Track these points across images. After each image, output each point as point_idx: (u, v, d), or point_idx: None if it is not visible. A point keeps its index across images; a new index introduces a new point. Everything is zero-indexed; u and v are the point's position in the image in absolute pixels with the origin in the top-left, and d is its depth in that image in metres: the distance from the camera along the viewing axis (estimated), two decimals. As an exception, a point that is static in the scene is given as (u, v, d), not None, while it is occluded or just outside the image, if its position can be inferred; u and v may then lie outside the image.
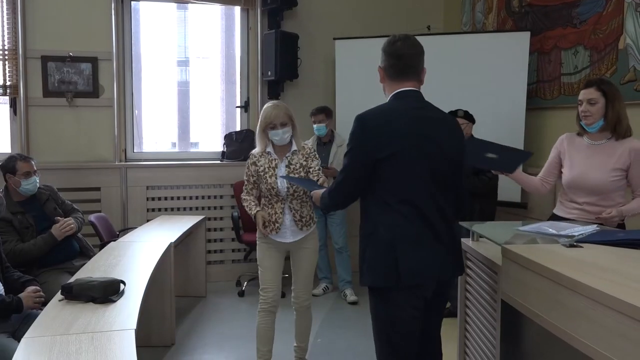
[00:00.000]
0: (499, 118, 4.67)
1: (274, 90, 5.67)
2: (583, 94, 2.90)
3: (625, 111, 2.88)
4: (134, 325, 2.26)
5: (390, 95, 2.25)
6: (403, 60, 2.25)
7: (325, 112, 4.89)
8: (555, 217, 3.04)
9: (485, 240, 2.67)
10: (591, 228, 2.51)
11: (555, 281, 1.86)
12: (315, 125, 4.88)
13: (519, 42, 4.62)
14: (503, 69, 4.68)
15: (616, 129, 2.86)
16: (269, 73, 5.49)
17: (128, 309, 2.46)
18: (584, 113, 2.88)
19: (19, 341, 2.20)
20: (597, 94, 2.84)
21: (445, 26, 5.96)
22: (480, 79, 4.77)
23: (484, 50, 4.81)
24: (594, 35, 3.94)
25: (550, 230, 2.48)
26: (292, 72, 5.57)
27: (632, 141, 2.86)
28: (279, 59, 5.39)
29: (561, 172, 3.06)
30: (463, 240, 2.68)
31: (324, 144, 4.97)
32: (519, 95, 4.59)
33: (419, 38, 5.21)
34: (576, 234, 2.38)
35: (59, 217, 3.66)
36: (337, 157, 4.84)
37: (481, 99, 4.71)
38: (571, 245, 2.19)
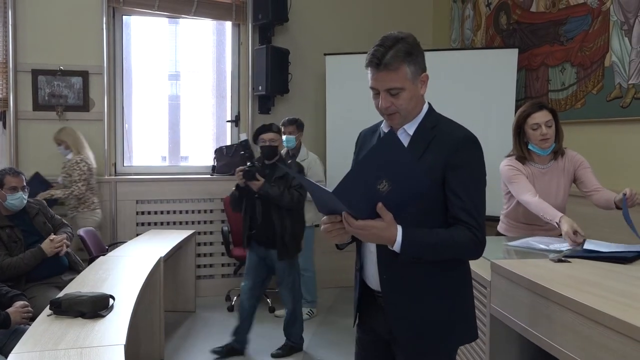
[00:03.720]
0: (487, 134, 4.71)
1: (264, 104, 5.70)
2: (540, 117, 2.88)
3: None
4: (124, 341, 2.24)
5: (427, 108, 1.88)
6: None
7: (296, 124, 4.83)
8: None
9: (474, 255, 2.68)
10: (579, 243, 2.54)
11: (544, 296, 1.88)
12: (285, 137, 4.78)
13: (507, 59, 4.69)
14: (492, 85, 4.74)
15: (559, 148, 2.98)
16: (260, 88, 5.52)
17: (117, 324, 2.44)
18: (543, 137, 2.88)
19: (6, 357, 2.17)
20: (549, 115, 2.91)
21: (434, 42, 6.03)
22: (469, 95, 4.82)
23: (472, 67, 4.86)
24: (581, 52, 4.00)
25: (539, 245, 2.51)
26: (283, 87, 5.60)
27: (568, 152, 2.99)
28: (269, 73, 5.42)
29: None
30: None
31: (291, 156, 4.87)
32: (507, 111, 4.64)
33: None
34: (564, 249, 2.41)
35: (55, 236, 3.61)
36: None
37: (470, 115, 4.74)
38: (559, 260, 2.22)
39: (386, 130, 1.85)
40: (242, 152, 4.00)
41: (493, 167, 4.36)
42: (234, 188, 4.00)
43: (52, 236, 3.58)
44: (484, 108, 4.76)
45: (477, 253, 1.75)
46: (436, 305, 1.78)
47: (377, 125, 1.97)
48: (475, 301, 2.45)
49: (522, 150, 2.99)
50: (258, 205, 3.94)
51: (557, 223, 2.57)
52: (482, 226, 1.73)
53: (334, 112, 5.40)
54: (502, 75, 4.68)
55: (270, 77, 5.43)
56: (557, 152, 2.97)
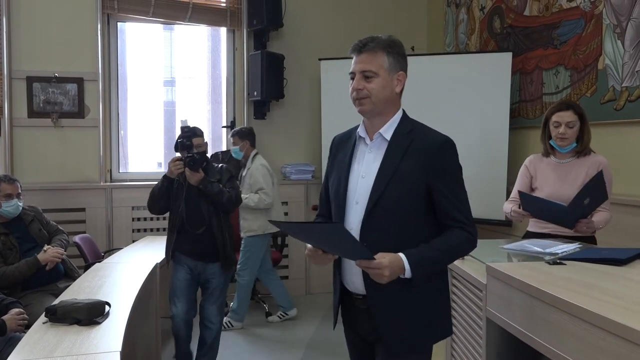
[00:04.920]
0: (482, 137, 4.73)
1: (260, 110, 5.70)
2: (560, 117, 2.98)
3: None
4: (120, 348, 2.23)
5: (402, 113, 1.91)
6: None
7: (239, 134, 4.79)
8: (530, 234, 3.11)
9: (469, 258, 2.68)
10: (574, 246, 2.55)
11: (540, 299, 1.88)
12: (232, 148, 4.83)
13: (501, 63, 4.70)
14: (486, 89, 4.75)
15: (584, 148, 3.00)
16: (255, 93, 5.52)
17: (113, 331, 2.43)
18: (561, 135, 2.96)
19: (1, 365, 2.17)
20: (574, 117, 2.96)
21: (428, 47, 6.05)
22: (463, 98, 4.84)
23: (467, 71, 4.88)
24: (574, 55, 4.02)
25: (535, 248, 2.51)
26: (278, 92, 5.61)
27: (596, 156, 2.99)
28: (264, 79, 5.43)
29: (532, 192, 3.12)
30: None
31: (241, 167, 4.91)
32: (502, 114, 4.66)
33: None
34: (560, 251, 2.41)
35: (50, 247, 3.60)
36: (245, 180, 4.76)
37: (465, 119, 4.77)
38: (555, 263, 2.22)
39: (362, 135, 1.91)
40: (182, 140, 3.47)
41: (490, 169, 4.41)
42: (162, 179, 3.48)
43: (47, 247, 3.58)
44: (478, 111, 4.78)
45: (473, 247, 1.86)
46: (418, 304, 1.84)
47: (351, 131, 2.00)
48: (471, 304, 2.46)
49: (545, 144, 3.11)
50: (195, 204, 3.42)
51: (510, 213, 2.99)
52: (472, 221, 1.84)
53: (329, 116, 5.41)
54: (497, 79, 4.70)
55: (265, 82, 5.43)
56: (580, 152, 3.00)
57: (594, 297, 1.76)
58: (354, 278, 1.88)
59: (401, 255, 1.72)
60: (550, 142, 3.05)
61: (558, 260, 2.25)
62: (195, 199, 3.42)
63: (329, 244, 1.75)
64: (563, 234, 2.91)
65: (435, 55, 5.38)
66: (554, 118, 3.00)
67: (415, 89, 4.95)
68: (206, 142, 3.64)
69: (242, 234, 4.75)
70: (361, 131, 1.92)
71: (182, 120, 3.58)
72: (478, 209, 2.65)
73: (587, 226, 2.82)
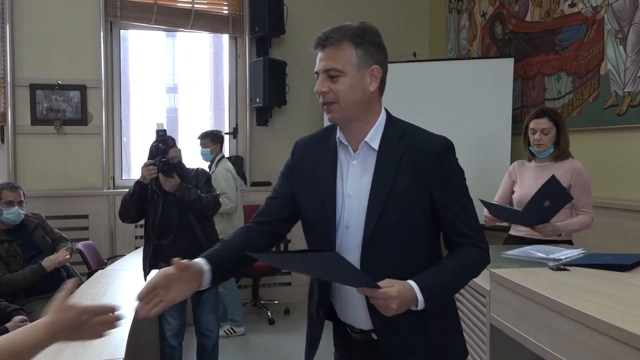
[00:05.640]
0: (485, 143, 4.73)
1: (262, 116, 5.71)
2: (536, 124, 3.09)
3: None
4: (122, 355, 2.23)
5: (385, 114, 1.62)
6: None
7: (211, 137, 4.76)
8: (510, 237, 3.24)
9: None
10: (577, 251, 2.55)
11: (544, 305, 1.88)
12: (201, 149, 4.76)
13: (503, 68, 4.71)
14: (488, 94, 4.76)
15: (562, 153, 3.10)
16: (257, 100, 5.53)
17: (116, 338, 2.43)
18: (537, 142, 3.07)
19: (5, 372, 2.17)
20: (549, 124, 3.06)
21: (430, 53, 6.06)
22: (466, 104, 4.84)
23: (469, 76, 4.89)
24: (576, 61, 4.02)
25: (538, 254, 2.51)
26: (281, 99, 5.62)
27: (573, 162, 3.08)
28: (267, 85, 5.44)
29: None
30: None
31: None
32: (504, 120, 4.66)
33: (405, 65, 5.27)
34: (563, 257, 2.41)
35: (57, 254, 3.61)
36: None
37: (467, 124, 4.77)
38: (558, 269, 2.22)
39: (344, 142, 1.59)
40: (156, 144, 3.26)
41: (492, 176, 4.40)
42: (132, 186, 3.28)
43: (54, 255, 3.58)
44: (481, 117, 4.78)
45: (487, 263, 1.62)
46: (433, 334, 1.60)
47: (322, 135, 1.68)
48: (475, 310, 2.45)
49: (526, 150, 3.21)
50: (172, 212, 3.23)
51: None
52: (483, 235, 1.59)
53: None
54: (499, 85, 4.71)
55: (267, 88, 5.44)
56: (559, 157, 3.09)
57: (598, 303, 1.75)
58: (356, 312, 1.61)
59: (412, 283, 1.45)
60: (530, 147, 3.15)
61: (562, 266, 2.25)
62: (172, 207, 3.24)
63: (324, 272, 1.50)
64: (537, 238, 2.99)
65: (437, 61, 5.39)
66: (531, 125, 3.12)
67: (416, 94, 5.01)
68: (180, 149, 3.44)
69: None
70: (342, 137, 1.60)
71: (157, 124, 3.37)
72: (480, 216, 2.65)
73: (551, 229, 2.91)
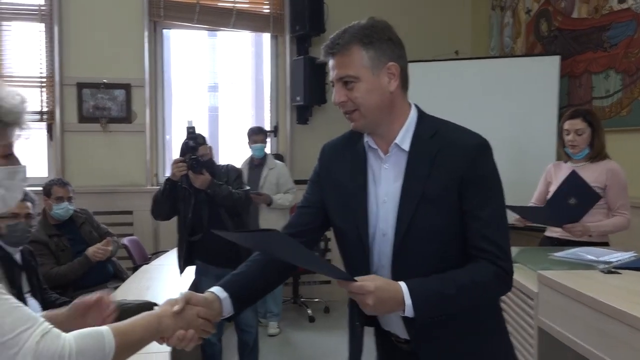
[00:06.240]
0: (530, 143, 4.63)
1: (302, 115, 5.73)
2: (570, 125, 3.07)
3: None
4: (169, 348, 2.27)
5: (416, 112, 1.51)
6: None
7: (265, 133, 4.85)
8: (545, 239, 3.23)
9: (519, 265, 2.64)
10: (629, 255, 2.48)
11: (595, 308, 1.83)
12: (254, 145, 4.77)
13: (548, 66, 4.61)
14: (533, 93, 4.66)
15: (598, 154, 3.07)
16: (298, 98, 5.56)
17: (163, 332, 2.48)
18: (571, 143, 3.06)
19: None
20: (583, 124, 3.03)
21: (472, 51, 5.97)
22: (509, 103, 4.75)
23: (513, 75, 4.80)
24: (626, 58, 3.91)
25: (588, 256, 2.45)
26: (321, 97, 5.63)
27: (609, 162, 3.04)
28: (307, 84, 5.46)
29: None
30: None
31: (256, 166, 4.82)
32: (550, 119, 4.55)
33: (446, 63, 5.20)
34: (614, 260, 2.35)
35: (100, 245, 3.69)
36: (268, 180, 4.75)
37: (512, 125, 4.69)
38: (609, 272, 2.17)
39: (373, 146, 1.50)
40: (186, 141, 3.31)
41: (536, 177, 4.29)
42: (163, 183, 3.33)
43: (97, 245, 3.67)
44: (525, 117, 4.68)
45: (506, 288, 1.44)
46: (476, 350, 1.47)
47: (348, 138, 1.60)
48: (522, 312, 2.41)
49: (563, 151, 3.21)
50: (204, 209, 3.27)
51: None
52: (508, 253, 1.40)
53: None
54: (544, 83, 4.61)
55: (307, 87, 5.46)
56: (594, 158, 3.06)
57: (654, 307, 1.70)
58: (391, 320, 1.52)
59: (401, 284, 1.33)
60: (565, 148, 3.14)
61: (613, 269, 2.19)
62: (204, 204, 3.27)
63: (287, 255, 1.38)
64: (571, 238, 2.95)
65: (480, 59, 5.31)
66: (565, 126, 3.11)
67: (458, 93, 4.94)
68: (210, 146, 3.48)
69: None
70: (371, 141, 1.51)
71: (188, 121, 3.40)
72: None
73: (580, 229, 2.89)
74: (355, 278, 1.31)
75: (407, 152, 1.44)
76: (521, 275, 2.51)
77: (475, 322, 1.46)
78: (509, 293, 2.54)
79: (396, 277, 1.40)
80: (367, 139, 1.51)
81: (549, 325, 2.14)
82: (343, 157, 1.56)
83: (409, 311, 1.32)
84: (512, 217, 3.83)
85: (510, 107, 4.75)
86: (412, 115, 1.48)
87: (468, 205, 1.38)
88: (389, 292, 1.31)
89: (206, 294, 1.47)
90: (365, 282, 1.30)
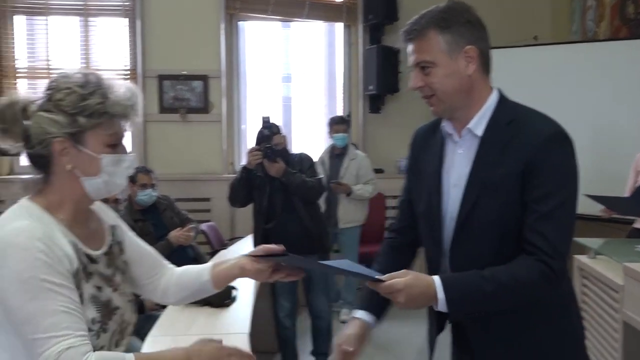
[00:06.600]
0: (614, 132, 4.42)
1: (375, 104, 5.73)
2: None
3: None
4: (248, 330, 2.36)
5: (497, 97, 1.46)
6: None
7: (347, 122, 4.82)
8: (634, 231, 3.12)
9: (603, 257, 2.54)
10: None
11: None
12: (336, 135, 4.73)
13: (635, 51, 4.37)
14: (619, 80, 4.43)
15: None
16: (370, 87, 5.55)
17: (241, 313, 2.58)
18: None
19: (142, 339, 2.36)
20: None
21: (553, 35, 5.74)
22: (593, 90, 4.54)
23: (596, 60, 4.59)
24: None
25: (678, 248, 2.33)
26: (393, 86, 5.60)
27: None
28: (380, 73, 5.44)
29: None
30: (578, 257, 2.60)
31: (337, 155, 4.79)
32: (637, 107, 4.33)
33: (525, 49, 5.06)
34: None
35: (181, 229, 3.82)
36: (349, 170, 4.70)
37: (594, 113, 4.49)
38: (703, 265, 2.05)
39: (449, 131, 1.49)
40: (262, 129, 3.46)
41: (622, 168, 4.10)
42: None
43: (179, 229, 3.81)
44: (611, 104, 4.46)
45: (550, 286, 1.33)
46: (541, 348, 1.41)
47: (435, 124, 1.58)
48: (605, 305, 2.33)
49: None
50: (278, 197, 3.36)
51: None
52: (561, 252, 1.31)
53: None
54: (630, 69, 4.38)
55: (380, 76, 5.45)
56: None
57: None
58: None
59: (435, 279, 1.31)
60: None
61: None
62: (278, 191, 3.36)
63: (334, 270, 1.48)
64: None
65: (561, 44, 5.10)
66: None
67: (537, 80, 4.78)
68: (285, 136, 3.56)
69: (340, 225, 4.70)
70: (447, 126, 1.49)
71: (264, 114, 3.59)
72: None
73: None
74: (386, 276, 1.30)
75: (480, 137, 1.41)
76: (604, 267, 2.42)
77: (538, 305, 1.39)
78: (591, 285, 2.47)
79: (453, 262, 1.41)
80: (444, 124, 1.50)
81: (636, 320, 2.05)
82: (427, 143, 1.57)
83: (442, 305, 1.30)
84: (597, 209, 3.69)
85: (594, 96, 4.54)
86: (492, 100, 1.44)
87: (528, 197, 1.33)
88: (419, 287, 1.29)
89: (357, 323, 1.59)
90: (394, 280, 1.29)
